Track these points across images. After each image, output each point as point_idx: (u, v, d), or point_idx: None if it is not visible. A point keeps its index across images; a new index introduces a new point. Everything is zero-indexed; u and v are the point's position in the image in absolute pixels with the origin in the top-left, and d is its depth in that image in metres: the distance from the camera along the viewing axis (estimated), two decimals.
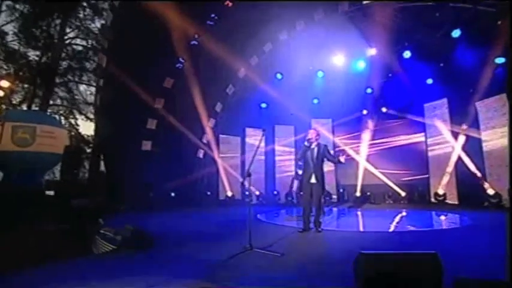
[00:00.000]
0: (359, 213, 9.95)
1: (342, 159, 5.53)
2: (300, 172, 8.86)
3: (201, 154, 11.97)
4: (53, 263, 3.69)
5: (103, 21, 9.95)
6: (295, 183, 9.21)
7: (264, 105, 13.00)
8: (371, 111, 12.51)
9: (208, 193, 12.08)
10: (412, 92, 10.96)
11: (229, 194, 12.05)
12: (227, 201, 11.89)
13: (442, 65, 10.04)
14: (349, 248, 4.29)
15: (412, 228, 6.04)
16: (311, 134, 5.69)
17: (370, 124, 12.59)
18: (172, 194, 11.14)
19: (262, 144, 13.06)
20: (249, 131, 13.02)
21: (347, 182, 12.79)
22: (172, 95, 10.52)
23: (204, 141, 11.97)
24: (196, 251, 4.24)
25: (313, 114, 13.18)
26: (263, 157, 12.98)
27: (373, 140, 12.64)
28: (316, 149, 5.65)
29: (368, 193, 12.24)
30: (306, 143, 5.60)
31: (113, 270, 3.40)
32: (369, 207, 11.14)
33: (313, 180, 5.58)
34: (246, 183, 4.11)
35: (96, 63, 9.54)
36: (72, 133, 16.71)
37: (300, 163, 8.95)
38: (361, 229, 6.59)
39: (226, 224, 7.16)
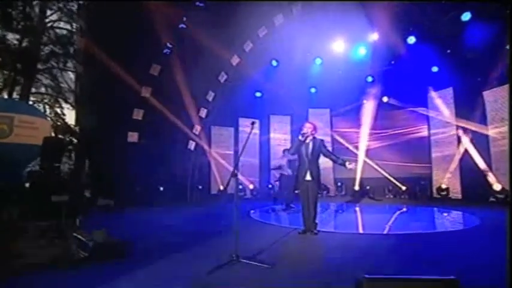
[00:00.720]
0: (357, 208, 9.60)
1: (349, 165, 5.06)
2: (285, 162, 8.55)
3: (191, 146, 11.49)
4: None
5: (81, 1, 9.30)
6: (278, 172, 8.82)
7: (258, 94, 12.47)
8: (372, 101, 12.00)
9: (200, 187, 11.67)
10: (416, 81, 10.45)
11: (222, 187, 11.63)
12: (219, 196, 11.48)
13: (449, 51, 9.50)
14: (348, 255, 3.96)
15: (413, 231, 5.63)
16: (306, 128, 5.23)
17: (371, 115, 12.11)
18: (161, 189, 10.72)
19: (257, 131, 12.62)
20: (242, 121, 12.52)
21: (345, 176, 12.36)
22: (159, 83, 9.96)
23: (195, 132, 11.47)
24: (175, 262, 3.81)
25: (311, 104, 12.69)
26: (257, 149, 12.54)
27: (373, 131, 12.19)
28: (311, 144, 5.21)
29: (367, 187, 11.87)
30: (300, 137, 5.14)
31: None
32: (367, 202, 10.79)
33: (308, 177, 5.17)
34: (233, 182, 3.62)
35: (74, 48, 8.95)
36: (58, 123, 16.11)
37: (286, 154, 8.69)
38: (360, 230, 6.16)
39: (216, 223, 6.75)
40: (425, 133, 11.08)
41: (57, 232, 5.30)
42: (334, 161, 5.30)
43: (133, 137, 9.97)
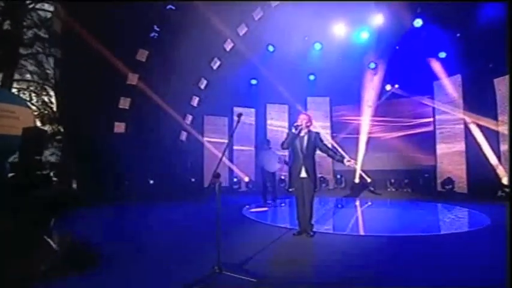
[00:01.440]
0: (357, 203, 9.24)
1: (348, 162, 4.63)
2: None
3: (183, 137, 11.03)
4: None
5: None
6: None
7: (254, 81, 11.94)
8: (374, 89, 11.47)
9: (193, 180, 11.26)
10: (422, 68, 9.90)
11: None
12: (213, 189, 11.05)
13: (458, 35, 8.91)
14: (346, 263, 3.62)
15: (417, 233, 5.23)
16: (301, 120, 4.77)
17: (373, 104, 11.61)
18: (151, 182, 10.31)
19: (252, 121, 12.14)
20: (238, 110, 11.99)
21: (345, 167, 11.81)
22: (147, 69, 9.40)
23: (187, 122, 10.99)
24: (146, 273, 3.40)
25: (309, 92, 12.17)
26: (253, 139, 12.08)
27: (375, 121, 11.72)
28: (306, 138, 4.76)
29: (368, 180, 11.46)
30: (293, 130, 4.67)
31: None
32: (368, 196, 10.41)
33: (303, 174, 4.74)
34: (217, 186, 3.16)
35: (50, 29, 8.37)
36: (46, 112, 15.56)
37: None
38: (360, 231, 5.72)
39: (205, 221, 6.32)
40: (430, 123, 10.59)
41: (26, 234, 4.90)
42: (331, 157, 4.86)
43: (120, 127, 9.49)
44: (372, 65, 11.29)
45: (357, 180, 11.49)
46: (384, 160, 11.44)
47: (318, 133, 4.87)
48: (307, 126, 4.82)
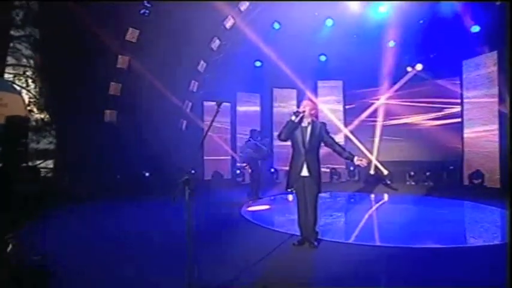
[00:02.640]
0: (372, 197, 8.49)
1: (359, 161, 3.96)
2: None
3: (182, 125, 10.39)
4: None
5: None
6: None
7: (258, 63, 11.07)
8: (393, 70, 10.45)
9: (193, 172, 10.67)
10: (450, 45, 8.82)
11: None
12: (214, 182, 10.47)
13: (499, 3, 7.69)
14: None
15: (443, 245, 4.45)
16: (303, 106, 4.02)
17: (391, 87, 10.62)
18: (147, 174, 9.79)
19: (257, 108, 11.37)
20: (241, 96, 11.26)
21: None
22: (138, 50, 8.70)
23: (185, 109, 10.32)
24: None
25: (320, 75, 11.25)
26: (258, 128, 11.31)
27: (393, 107, 10.76)
28: (309, 129, 4.03)
29: (385, 172, 10.61)
30: (293, 118, 3.93)
31: None
32: (383, 190, 9.58)
33: (304, 172, 4.04)
34: (186, 194, 2.46)
35: (25, 8, 7.73)
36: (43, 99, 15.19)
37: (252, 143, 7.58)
38: (372, 239, 4.84)
39: (200, 220, 5.66)
40: (457, 108, 9.56)
41: None
42: (338, 153, 4.11)
43: (110, 115, 8.90)
44: (392, 44, 10.23)
45: (372, 172, 10.67)
46: (403, 150, 10.53)
47: (323, 124, 4.12)
48: (311, 115, 4.07)
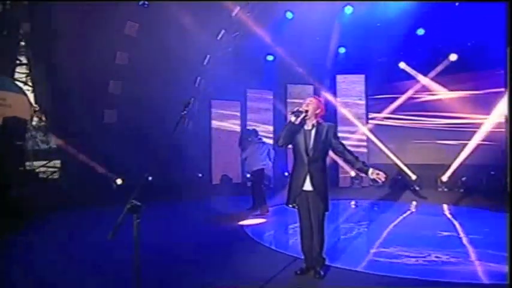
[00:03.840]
0: (397, 207, 7.64)
1: (374, 175, 3.27)
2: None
3: (188, 125, 9.94)
4: None
5: None
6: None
7: (270, 57, 10.42)
8: (422, 62, 9.51)
9: (200, 175, 10.23)
10: (492, 30, 7.79)
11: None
12: (223, 187, 9.93)
13: None
14: None
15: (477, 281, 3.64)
16: (306, 105, 3.40)
17: (421, 80, 9.68)
18: (150, 178, 9.38)
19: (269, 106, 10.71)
20: (252, 93, 10.65)
21: (383, 161, 10.27)
22: (138, 45, 8.29)
23: (191, 108, 9.84)
24: None
25: (339, 69, 10.45)
26: (271, 127, 10.69)
27: (423, 102, 9.81)
28: (313, 132, 3.39)
29: (413, 176, 9.70)
30: (292, 118, 3.30)
31: None
32: (410, 198, 8.70)
33: (307, 186, 3.40)
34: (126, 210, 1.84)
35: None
36: None
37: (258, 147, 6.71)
38: (396, 271, 3.79)
39: (188, 239, 5.12)
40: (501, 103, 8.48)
41: None
42: (350, 163, 3.43)
43: (111, 116, 8.56)
44: (421, 31, 9.28)
45: (398, 176, 9.79)
46: (434, 151, 9.54)
47: (331, 126, 3.45)
48: (316, 116, 3.41)
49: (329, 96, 10.39)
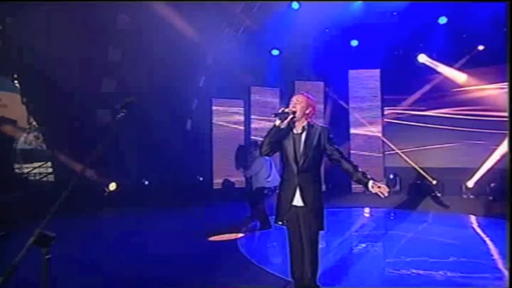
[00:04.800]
0: (416, 218, 7.01)
1: (375, 188, 2.79)
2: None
3: (187, 125, 9.60)
4: None
5: None
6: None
7: (275, 52, 9.89)
8: (445, 54, 8.83)
9: (201, 178, 9.86)
10: None
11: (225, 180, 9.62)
12: (225, 191, 9.52)
13: None
14: None
15: None
16: (294, 103, 2.94)
17: (444, 73, 8.98)
18: (146, 182, 9.10)
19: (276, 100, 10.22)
20: (256, 91, 10.17)
21: (401, 164, 9.65)
22: (133, 40, 7.97)
23: (191, 107, 9.50)
24: None
25: (352, 63, 9.83)
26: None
27: (445, 98, 9.10)
28: (304, 136, 2.93)
29: (434, 181, 9.03)
30: (277, 122, 2.84)
31: None
32: (430, 206, 8.06)
33: (297, 201, 2.95)
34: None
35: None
36: None
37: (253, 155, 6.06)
38: None
39: (180, 261, 4.66)
40: None
41: None
42: (348, 173, 2.94)
43: (105, 116, 8.28)
44: (443, 20, 8.59)
45: (415, 182, 9.15)
46: (458, 153, 8.81)
47: (325, 128, 2.97)
48: (307, 117, 2.94)
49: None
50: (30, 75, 7.49)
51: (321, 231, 2.97)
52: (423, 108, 9.44)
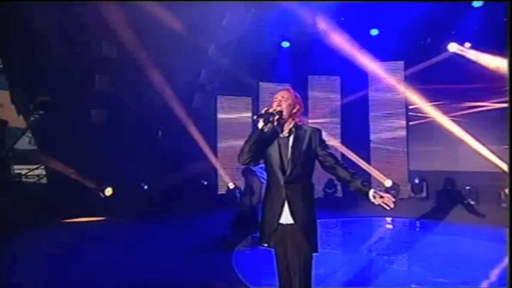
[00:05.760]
0: (445, 229, 6.42)
1: (377, 199, 2.31)
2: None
3: (188, 125, 9.34)
4: None
5: None
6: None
7: (285, 44, 9.52)
8: (480, 42, 8.19)
9: (205, 183, 9.60)
10: None
11: (232, 185, 9.29)
12: (230, 198, 9.19)
13: None
14: None
15: None
16: (279, 101, 2.55)
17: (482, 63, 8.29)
18: (146, 187, 8.91)
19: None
20: (265, 87, 9.81)
21: (429, 167, 9.07)
22: (127, 33, 7.72)
23: (194, 105, 9.24)
24: None
25: (372, 55, 9.27)
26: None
27: (481, 92, 8.42)
28: (292, 139, 2.54)
29: (467, 187, 8.40)
30: (260, 124, 2.45)
31: None
32: (462, 215, 7.44)
33: (285, 218, 2.54)
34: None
35: None
36: None
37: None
38: None
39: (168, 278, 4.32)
40: None
41: None
42: (344, 181, 2.51)
43: (99, 115, 8.12)
44: (478, 3, 7.94)
45: (444, 188, 8.52)
46: (495, 155, 8.12)
47: (316, 130, 2.56)
48: (293, 115, 2.56)
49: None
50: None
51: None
52: (452, 106, 8.79)
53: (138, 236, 6.38)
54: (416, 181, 9.02)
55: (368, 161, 9.29)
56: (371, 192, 2.31)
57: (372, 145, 9.49)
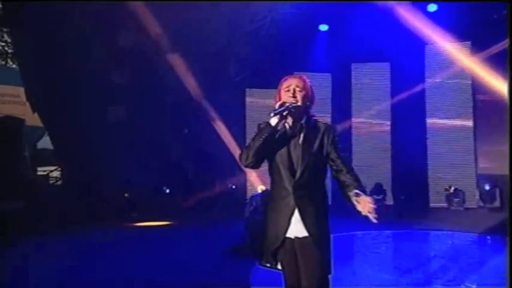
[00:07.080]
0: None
1: (373, 214, 1.96)
2: None
3: (214, 122, 9.21)
4: None
5: None
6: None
7: (323, 27, 9.09)
8: None
9: (233, 187, 9.38)
10: None
11: (263, 188, 8.94)
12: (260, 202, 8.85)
13: None
14: None
15: None
16: (294, 92, 2.22)
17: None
18: (167, 190, 8.85)
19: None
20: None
21: (503, 171, 8.11)
22: (146, 20, 7.71)
23: (220, 100, 9.08)
24: None
25: (427, 36, 8.58)
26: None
27: None
28: (302, 137, 2.14)
29: None
30: (272, 120, 2.17)
31: None
32: None
33: (295, 230, 2.17)
34: None
35: None
36: None
37: None
38: None
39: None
40: None
41: None
42: (342, 187, 2.14)
43: (116, 113, 8.15)
44: None
45: None
46: None
47: (331, 127, 2.19)
48: (307, 107, 2.21)
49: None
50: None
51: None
52: None
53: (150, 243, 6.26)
54: (487, 188, 8.15)
55: (424, 162, 8.57)
56: (351, 194, 2.01)
57: (428, 144, 8.71)
